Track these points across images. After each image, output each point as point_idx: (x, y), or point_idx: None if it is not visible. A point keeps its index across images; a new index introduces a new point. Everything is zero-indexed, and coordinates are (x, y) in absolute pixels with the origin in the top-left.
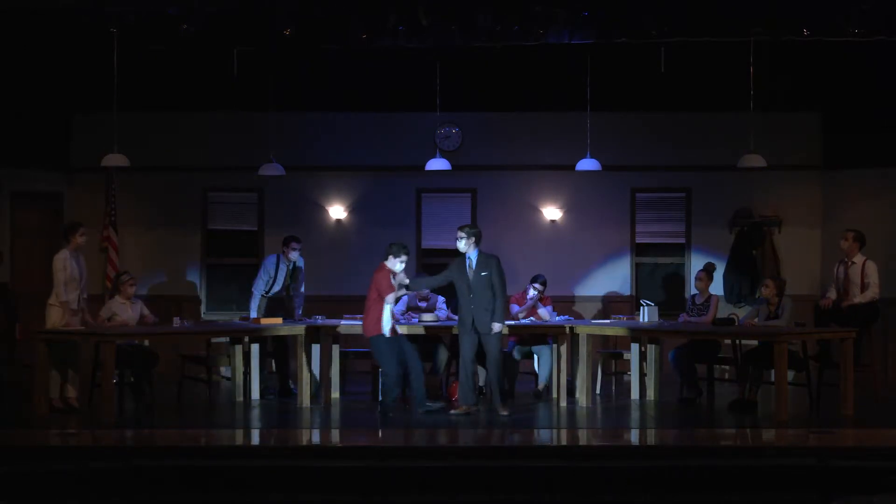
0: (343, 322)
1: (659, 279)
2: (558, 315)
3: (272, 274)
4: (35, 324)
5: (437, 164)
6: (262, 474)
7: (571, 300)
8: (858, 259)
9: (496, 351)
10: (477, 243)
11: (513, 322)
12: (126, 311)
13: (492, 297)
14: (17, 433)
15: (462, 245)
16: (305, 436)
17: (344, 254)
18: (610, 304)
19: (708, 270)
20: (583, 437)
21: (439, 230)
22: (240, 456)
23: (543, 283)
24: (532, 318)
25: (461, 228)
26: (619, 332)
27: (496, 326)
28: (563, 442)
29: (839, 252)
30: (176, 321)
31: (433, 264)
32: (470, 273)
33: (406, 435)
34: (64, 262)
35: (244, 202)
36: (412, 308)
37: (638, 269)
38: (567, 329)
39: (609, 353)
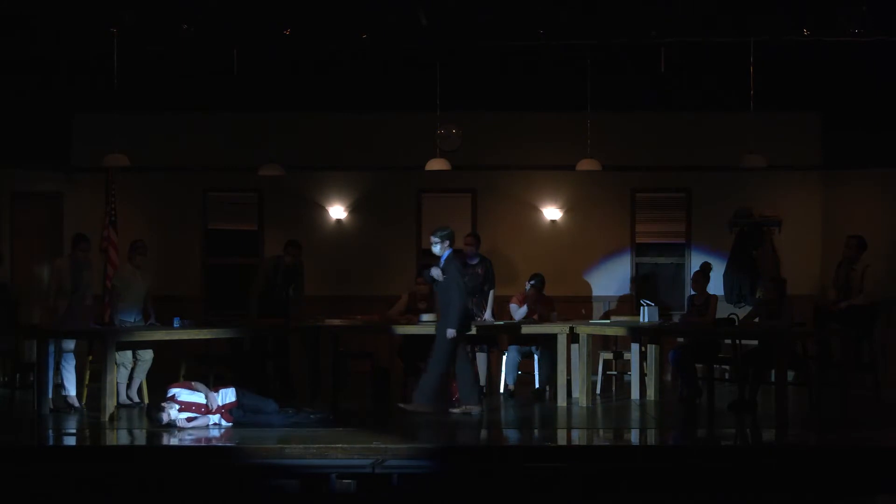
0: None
1: (659, 279)
2: (558, 315)
3: (271, 275)
4: (35, 323)
5: (437, 164)
6: (257, 474)
7: (572, 300)
8: (860, 265)
9: (441, 351)
10: (451, 245)
11: (513, 322)
12: (135, 280)
13: (447, 300)
14: (17, 433)
15: (437, 249)
16: (303, 435)
17: (344, 254)
18: (610, 304)
19: (704, 270)
20: (583, 437)
21: None
22: (237, 456)
23: (541, 281)
24: (532, 317)
25: (433, 234)
26: (619, 332)
27: (449, 332)
28: (564, 442)
29: (841, 254)
30: (176, 321)
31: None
32: None
33: (405, 435)
34: (60, 272)
35: (244, 202)
36: (412, 309)
37: (638, 269)
38: (567, 329)
39: (609, 353)
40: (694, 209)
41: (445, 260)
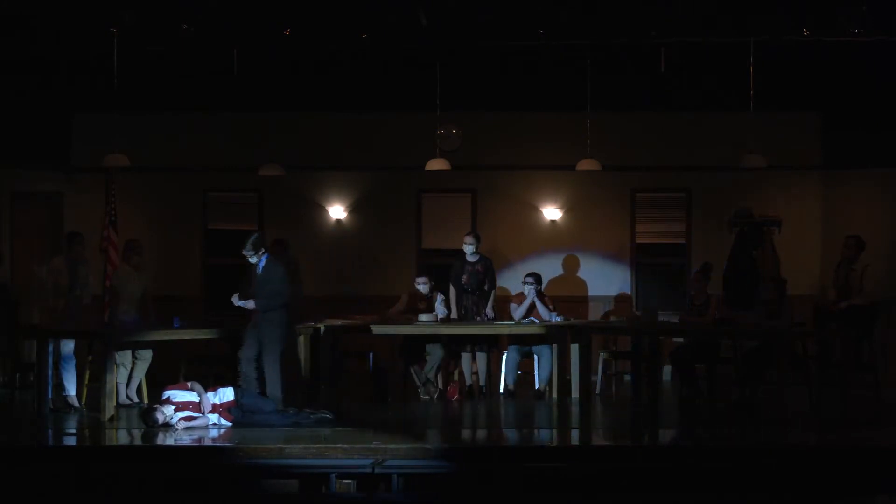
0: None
1: (659, 279)
2: (558, 315)
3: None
4: (35, 323)
5: (437, 164)
6: (257, 474)
7: (571, 300)
8: (859, 265)
9: (270, 362)
10: (266, 250)
11: (513, 322)
12: (132, 280)
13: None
14: (16, 433)
15: (253, 260)
16: (303, 435)
17: (344, 254)
18: (610, 304)
19: (704, 271)
20: (583, 437)
21: (439, 230)
22: (237, 456)
23: (537, 280)
24: (532, 317)
25: (243, 249)
26: (618, 332)
27: (236, 299)
28: (563, 442)
29: (840, 255)
30: (176, 321)
31: (433, 264)
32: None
33: (405, 435)
34: (58, 271)
35: (244, 202)
36: (412, 309)
37: (638, 269)
38: (567, 329)
39: (609, 353)
40: (694, 209)
41: (265, 265)
